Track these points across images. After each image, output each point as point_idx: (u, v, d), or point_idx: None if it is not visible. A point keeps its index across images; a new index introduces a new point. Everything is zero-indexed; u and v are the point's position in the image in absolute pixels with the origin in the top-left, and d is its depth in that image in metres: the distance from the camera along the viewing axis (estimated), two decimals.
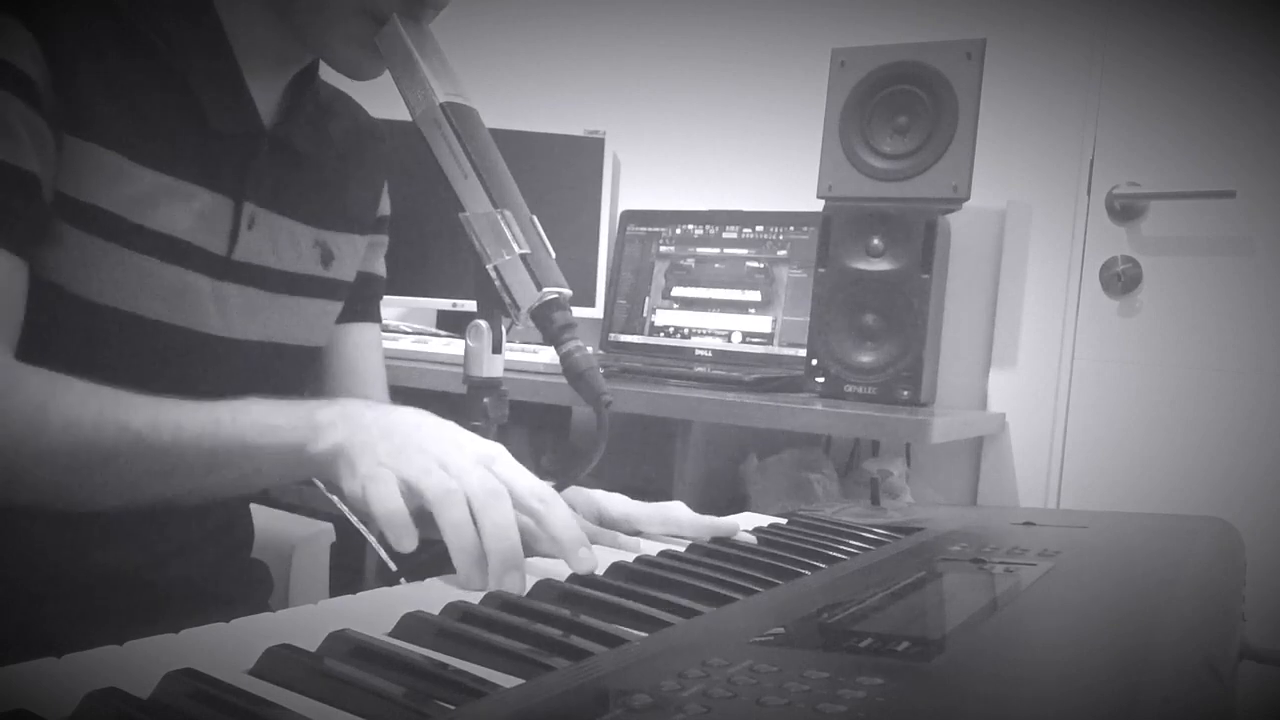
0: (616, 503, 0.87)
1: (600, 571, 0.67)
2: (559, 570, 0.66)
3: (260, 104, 0.88)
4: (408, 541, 0.65)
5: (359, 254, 1.03)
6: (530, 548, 0.70)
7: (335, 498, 0.74)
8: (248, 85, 0.87)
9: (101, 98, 0.78)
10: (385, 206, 1.08)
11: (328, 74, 1.01)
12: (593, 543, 0.72)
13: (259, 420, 0.72)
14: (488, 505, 0.65)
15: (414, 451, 0.68)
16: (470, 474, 0.66)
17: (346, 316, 1.06)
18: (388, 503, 0.66)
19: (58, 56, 0.75)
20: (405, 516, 0.65)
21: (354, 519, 0.83)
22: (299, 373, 0.99)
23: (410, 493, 0.66)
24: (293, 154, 0.92)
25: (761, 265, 2.04)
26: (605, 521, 0.86)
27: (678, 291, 2.12)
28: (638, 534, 0.85)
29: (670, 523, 0.86)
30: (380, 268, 1.10)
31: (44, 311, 0.78)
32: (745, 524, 0.88)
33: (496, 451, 0.70)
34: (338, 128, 1.00)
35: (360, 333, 1.08)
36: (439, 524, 0.65)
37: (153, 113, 0.81)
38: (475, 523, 0.64)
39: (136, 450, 0.71)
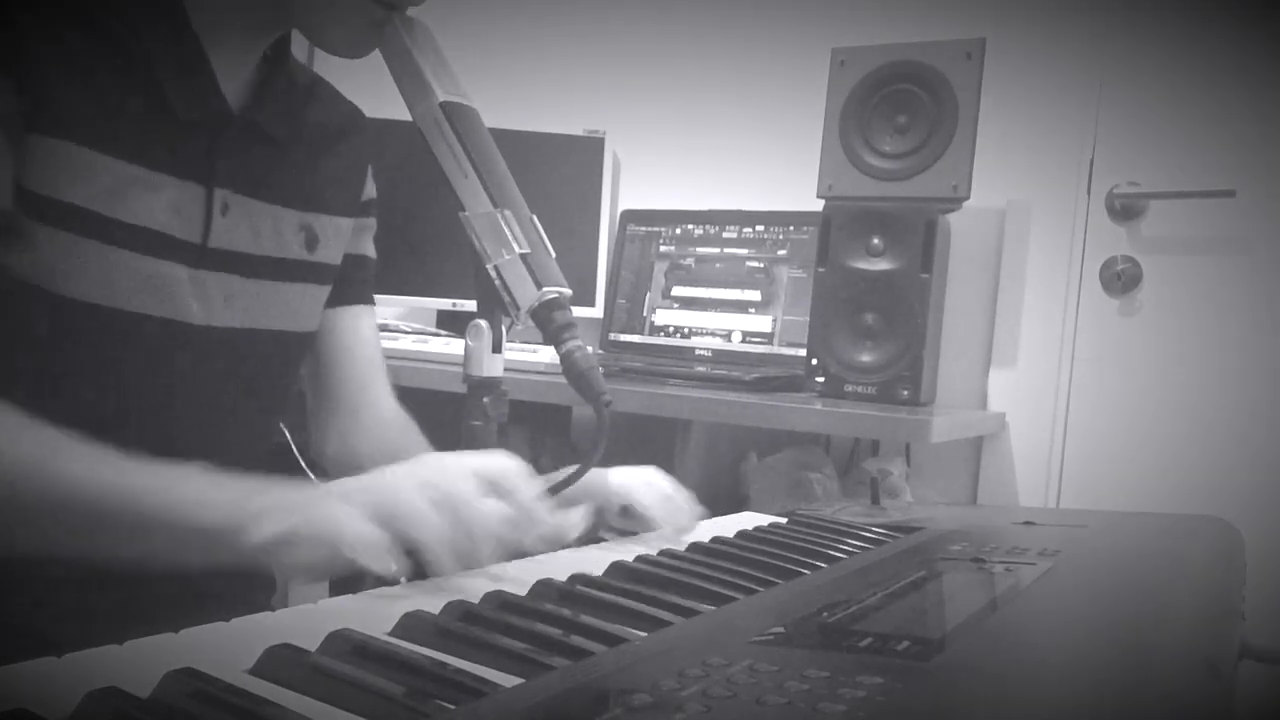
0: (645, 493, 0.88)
1: (600, 571, 0.67)
2: (559, 570, 0.66)
3: (227, 88, 0.87)
4: (390, 560, 0.62)
5: (344, 238, 1.03)
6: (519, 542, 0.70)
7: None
8: (213, 69, 0.85)
9: (64, 92, 0.77)
10: (370, 190, 1.08)
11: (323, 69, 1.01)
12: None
13: (194, 495, 0.68)
14: (454, 509, 0.64)
15: (364, 494, 0.66)
16: (434, 482, 0.65)
17: (336, 300, 1.04)
18: (357, 524, 0.63)
19: (14, 55, 0.74)
20: (379, 535, 0.63)
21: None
22: (290, 359, 0.99)
23: (382, 522, 0.64)
24: (266, 138, 0.91)
25: (761, 265, 2.04)
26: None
27: (678, 291, 2.12)
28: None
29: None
30: (369, 249, 1.09)
31: (22, 311, 0.77)
32: (745, 524, 0.88)
33: (444, 460, 0.69)
34: (315, 112, 0.99)
35: (353, 316, 1.07)
36: (419, 542, 0.63)
37: (117, 103, 0.80)
38: (456, 528, 0.63)
39: (66, 503, 0.67)
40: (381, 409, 1.08)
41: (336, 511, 0.65)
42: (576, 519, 0.67)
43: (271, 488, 0.69)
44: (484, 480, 0.66)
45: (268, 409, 0.98)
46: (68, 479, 0.68)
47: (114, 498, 0.68)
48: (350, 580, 0.72)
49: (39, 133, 0.76)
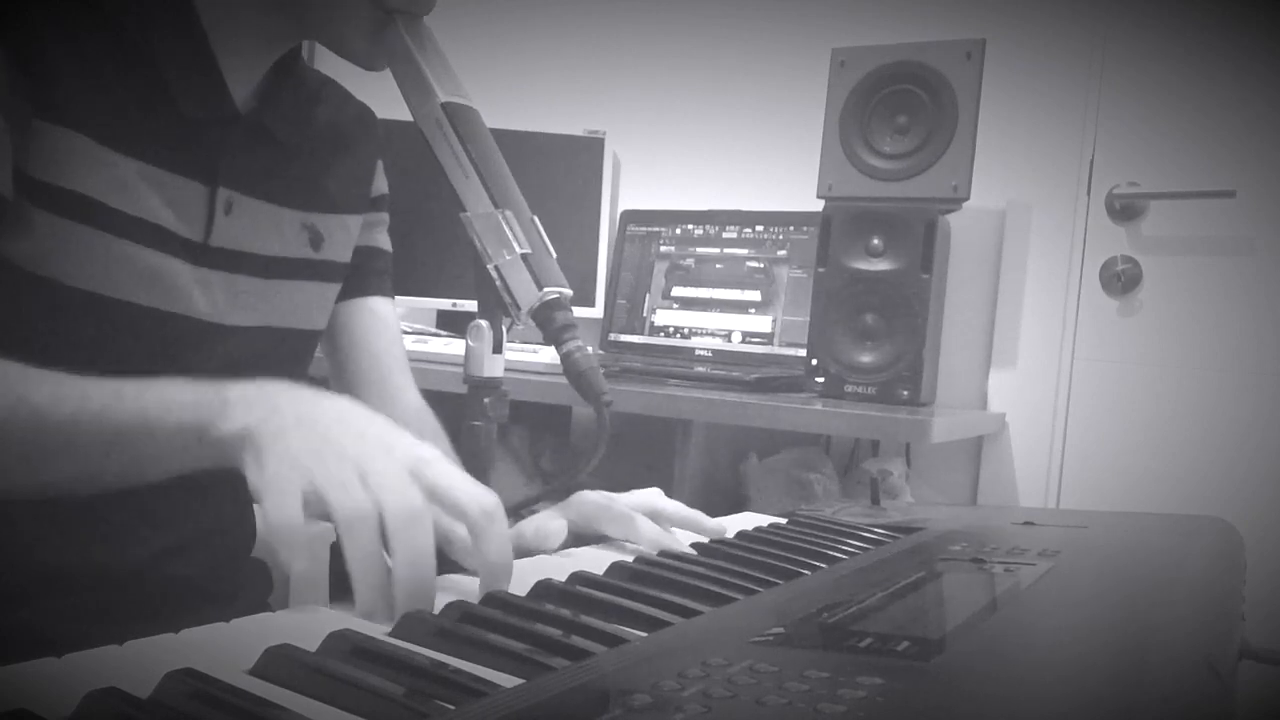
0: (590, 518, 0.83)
1: (600, 571, 0.67)
2: (559, 570, 0.66)
3: (236, 89, 0.87)
4: (297, 563, 0.57)
5: (353, 235, 1.03)
6: (452, 554, 0.66)
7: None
8: (221, 70, 0.85)
9: (72, 83, 0.77)
10: (381, 186, 1.07)
11: (323, 63, 1.01)
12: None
13: (164, 396, 0.66)
14: (404, 530, 0.57)
15: (331, 454, 0.60)
16: (390, 490, 0.58)
17: (351, 292, 1.04)
18: (282, 512, 0.58)
19: (23, 43, 0.75)
20: (299, 533, 0.57)
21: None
22: (297, 358, 0.99)
23: (317, 501, 0.59)
24: (273, 139, 0.91)
25: (761, 265, 2.04)
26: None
27: (678, 291, 2.12)
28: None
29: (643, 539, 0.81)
30: (383, 241, 1.09)
31: (24, 300, 0.77)
32: (745, 524, 0.88)
33: (431, 455, 0.62)
34: (324, 112, 0.99)
35: (368, 309, 1.07)
36: (344, 548, 0.57)
37: (124, 98, 0.80)
38: (387, 546, 0.57)
39: (35, 424, 0.66)
40: (403, 404, 1.07)
41: (277, 477, 0.59)
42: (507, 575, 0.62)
43: (246, 383, 0.66)
44: (466, 513, 0.61)
45: None
46: (36, 400, 0.67)
47: (86, 411, 0.67)
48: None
49: (45, 120, 0.76)
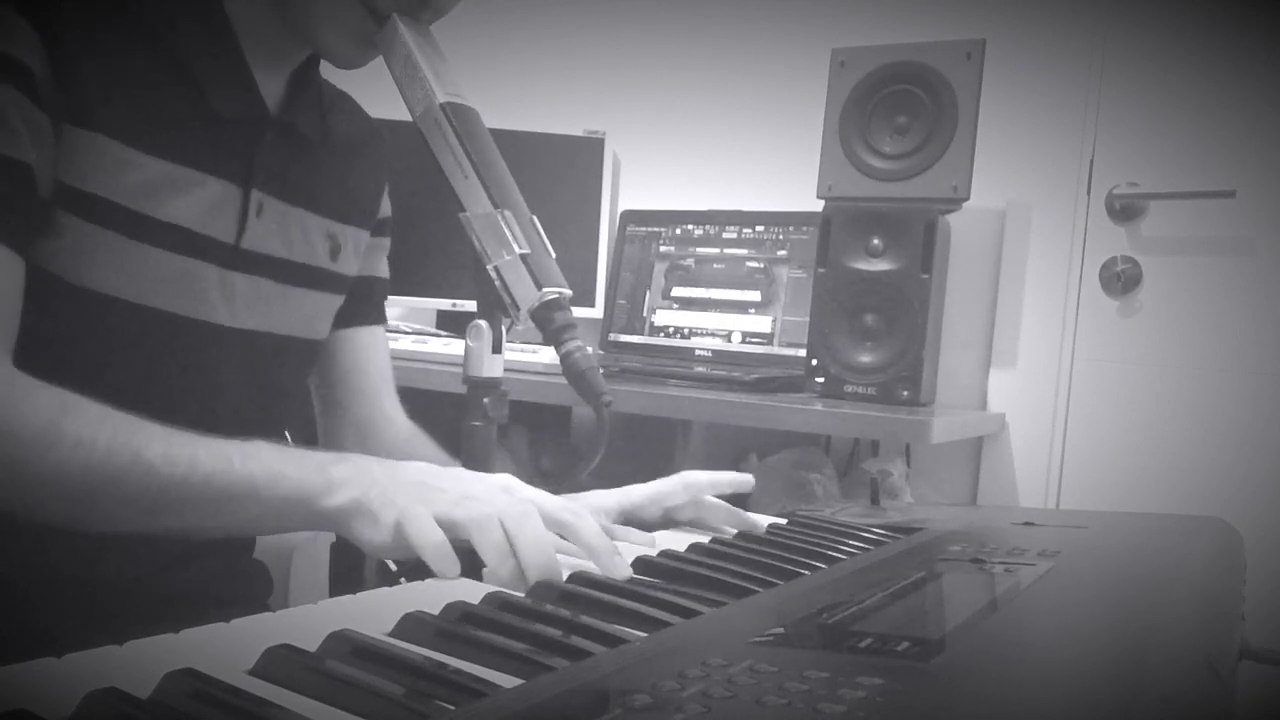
0: (636, 492, 0.87)
1: (599, 571, 0.67)
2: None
3: (265, 92, 0.88)
4: (452, 569, 0.66)
5: (361, 250, 1.03)
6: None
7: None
8: (251, 71, 0.87)
9: (106, 88, 0.78)
10: (386, 208, 1.09)
11: (332, 76, 1.01)
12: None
13: (269, 466, 0.72)
14: (521, 523, 0.66)
15: (435, 492, 0.69)
16: (498, 498, 0.68)
17: (350, 320, 1.05)
18: (431, 536, 0.67)
19: (60, 48, 0.75)
20: (448, 547, 0.67)
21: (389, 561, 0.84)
22: (300, 366, 0.99)
23: (444, 526, 0.67)
24: (300, 142, 0.92)
25: (761, 265, 2.04)
26: (628, 510, 0.86)
27: (678, 291, 2.12)
28: (668, 512, 0.87)
29: (692, 486, 0.88)
30: (383, 269, 1.11)
31: (48, 303, 0.77)
32: None
33: (511, 481, 0.72)
34: (340, 123, 1.01)
35: (366, 335, 1.08)
36: (478, 548, 0.66)
37: (158, 101, 0.81)
38: (510, 542, 0.66)
39: (147, 481, 0.71)
40: (397, 428, 1.09)
41: (407, 506, 0.68)
42: (627, 566, 0.68)
43: (342, 458, 0.73)
44: (554, 516, 0.69)
45: (277, 414, 0.99)
46: (149, 457, 0.71)
47: (196, 473, 0.71)
48: (350, 581, 0.72)
49: (73, 125, 0.76)
